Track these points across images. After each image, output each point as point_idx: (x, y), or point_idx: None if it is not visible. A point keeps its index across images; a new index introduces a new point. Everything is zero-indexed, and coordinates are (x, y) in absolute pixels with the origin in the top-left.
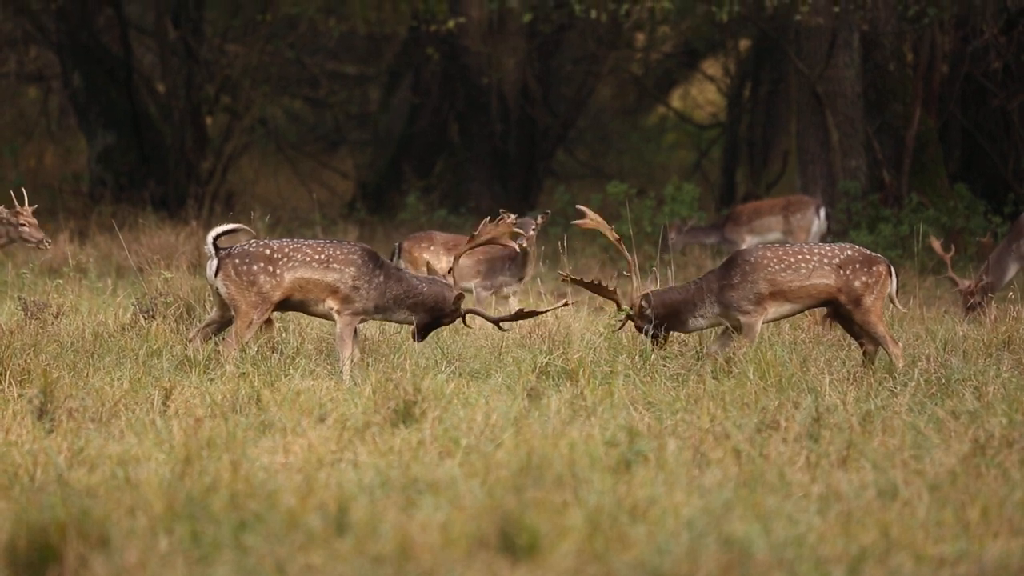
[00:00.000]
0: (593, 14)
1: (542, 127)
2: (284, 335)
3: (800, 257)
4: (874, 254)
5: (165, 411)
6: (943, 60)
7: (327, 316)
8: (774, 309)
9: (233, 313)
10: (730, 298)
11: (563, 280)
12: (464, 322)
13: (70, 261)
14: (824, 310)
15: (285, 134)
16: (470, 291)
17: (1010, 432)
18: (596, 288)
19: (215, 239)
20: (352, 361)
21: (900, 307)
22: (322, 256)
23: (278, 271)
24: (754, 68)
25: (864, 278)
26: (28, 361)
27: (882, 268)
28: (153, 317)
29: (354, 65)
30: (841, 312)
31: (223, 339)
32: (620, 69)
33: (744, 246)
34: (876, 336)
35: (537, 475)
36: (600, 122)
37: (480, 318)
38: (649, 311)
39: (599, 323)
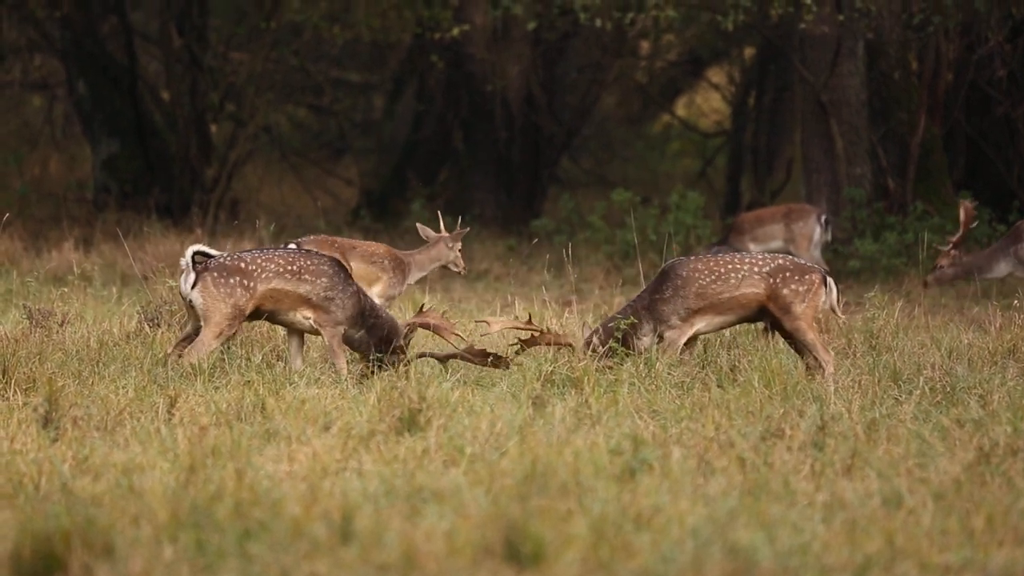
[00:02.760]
0: (598, 22)
1: (546, 135)
2: (288, 344)
3: (731, 267)
4: (809, 264)
5: (170, 419)
6: (948, 68)
7: (306, 328)
8: (703, 323)
9: (203, 324)
10: (660, 312)
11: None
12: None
13: (75, 269)
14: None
15: (289, 141)
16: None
17: (1015, 440)
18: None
19: (194, 255)
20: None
21: (840, 316)
22: (294, 267)
23: (251, 283)
24: (759, 76)
25: (794, 286)
26: (33, 369)
27: (815, 277)
28: (158, 325)
29: (358, 72)
30: (774, 322)
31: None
32: (625, 77)
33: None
34: (806, 344)
35: (542, 483)
36: (604, 130)
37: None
38: (601, 348)
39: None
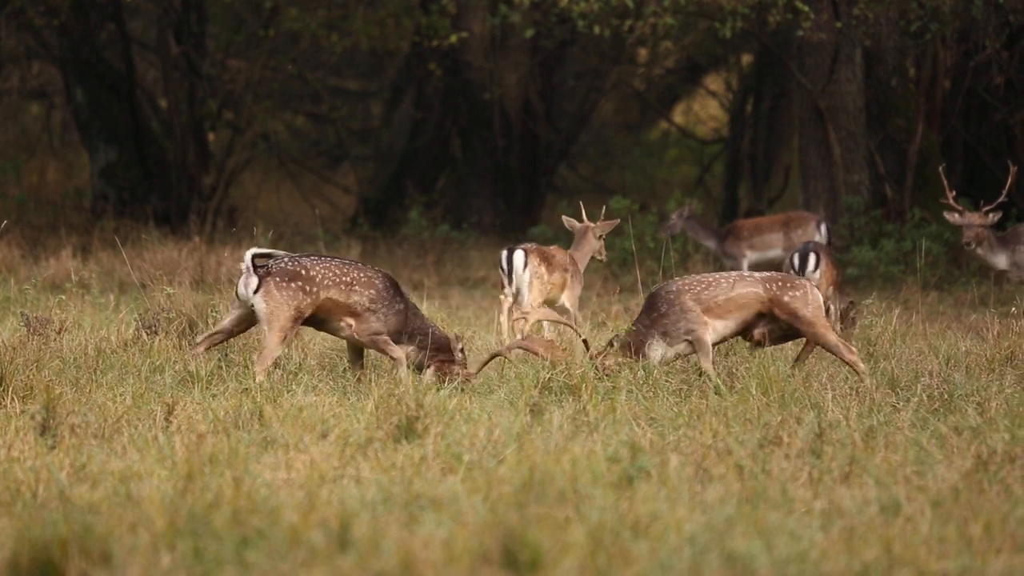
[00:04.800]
0: (596, 30)
1: (544, 142)
2: (287, 351)
3: (718, 277)
4: (794, 276)
5: (167, 427)
6: (945, 75)
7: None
8: (714, 325)
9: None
10: (665, 326)
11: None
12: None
13: (73, 277)
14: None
15: (287, 149)
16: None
17: (1013, 448)
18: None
19: (253, 257)
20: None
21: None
22: (347, 279)
23: (313, 289)
24: (756, 83)
25: (792, 292)
26: (31, 377)
27: (805, 283)
28: (156, 333)
29: (356, 80)
30: (783, 329)
31: (258, 354)
32: (622, 84)
33: (745, 262)
34: (828, 347)
35: (539, 491)
36: (603, 137)
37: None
38: (618, 368)
39: (601, 339)
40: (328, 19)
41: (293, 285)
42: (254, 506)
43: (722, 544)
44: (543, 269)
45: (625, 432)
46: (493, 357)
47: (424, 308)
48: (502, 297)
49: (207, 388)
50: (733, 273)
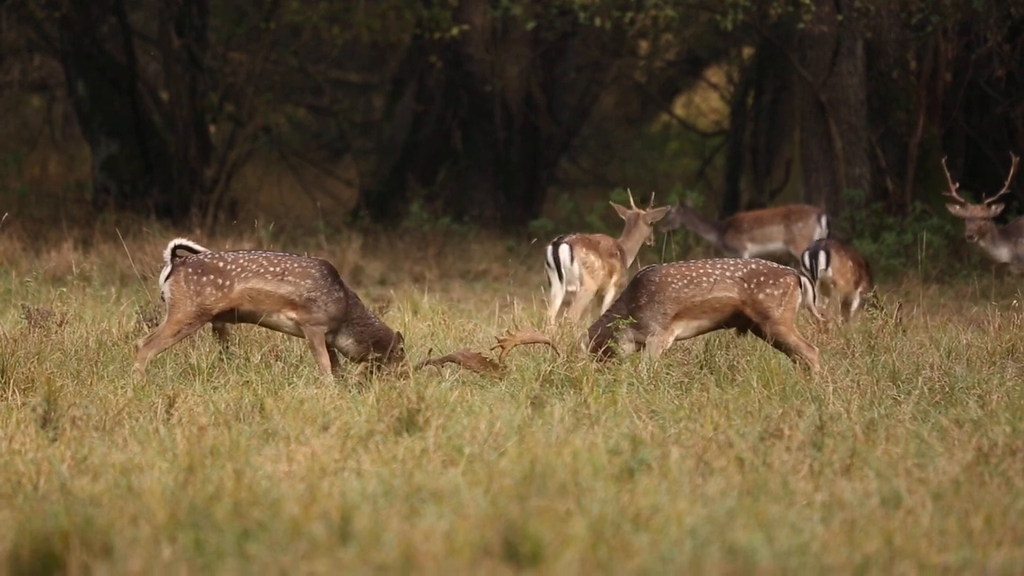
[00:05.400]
0: (597, 22)
1: (546, 135)
2: (287, 343)
3: (702, 271)
4: (782, 267)
5: (168, 419)
6: (946, 68)
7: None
8: (681, 328)
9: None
10: (639, 318)
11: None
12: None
13: (74, 269)
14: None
15: (289, 142)
16: None
17: (1014, 441)
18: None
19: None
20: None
21: (818, 316)
22: (278, 269)
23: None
24: (757, 76)
25: (769, 290)
26: (32, 369)
27: (790, 280)
28: (156, 325)
29: (358, 73)
30: (753, 328)
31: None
32: (624, 77)
33: (746, 255)
34: (788, 346)
35: (540, 484)
36: (604, 130)
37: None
38: (587, 352)
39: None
40: (329, 11)
41: (204, 279)
42: (255, 498)
43: (723, 536)
44: (592, 257)
45: (626, 425)
46: (429, 364)
47: (425, 301)
48: (551, 295)
49: (208, 380)
50: (716, 267)
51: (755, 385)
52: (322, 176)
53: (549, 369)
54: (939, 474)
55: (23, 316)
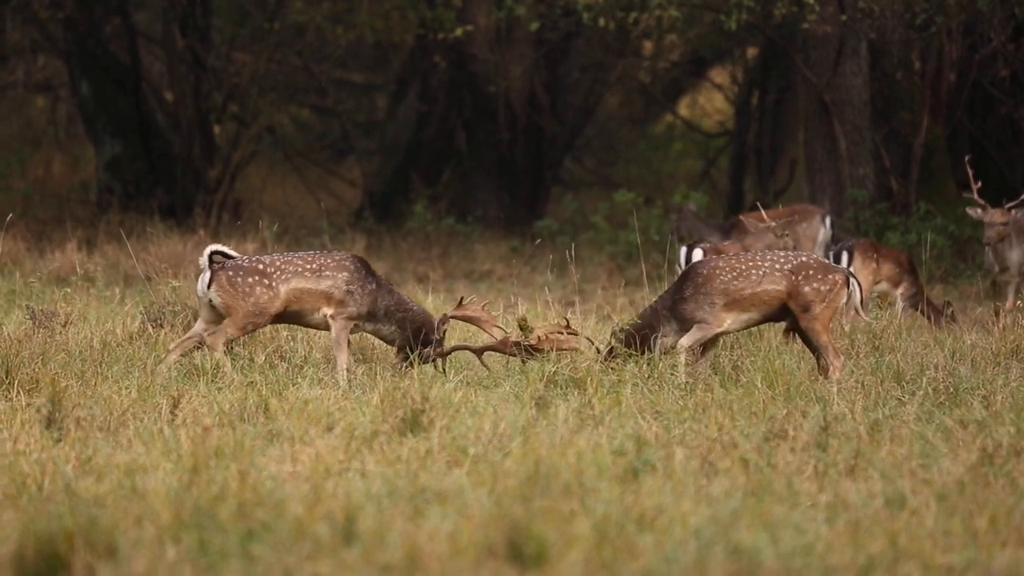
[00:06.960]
0: (601, 22)
1: (549, 135)
2: (292, 344)
3: (751, 264)
4: (834, 264)
5: (173, 420)
6: (951, 68)
7: (322, 326)
8: (731, 320)
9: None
10: (683, 311)
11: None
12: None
13: (78, 270)
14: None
15: (293, 142)
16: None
17: (1018, 441)
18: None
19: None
20: (348, 369)
21: (864, 317)
22: (314, 266)
23: (274, 284)
24: (762, 76)
25: (816, 285)
26: (36, 370)
27: (839, 278)
28: (161, 326)
29: (361, 73)
30: (792, 322)
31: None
32: (628, 77)
33: None
34: (818, 345)
35: (545, 484)
36: (607, 130)
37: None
38: (622, 349)
39: (607, 331)
40: (333, 12)
41: (250, 279)
42: (259, 499)
43: (727, 537)
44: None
45: (630, 425)
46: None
47: (429, 301)
48: None
49: (212, 381)
50: (766, 260)
51: (759, 386)
52: (326, 176)
53: (553, 370)
54: (943, 475)
55: (27, 317)
